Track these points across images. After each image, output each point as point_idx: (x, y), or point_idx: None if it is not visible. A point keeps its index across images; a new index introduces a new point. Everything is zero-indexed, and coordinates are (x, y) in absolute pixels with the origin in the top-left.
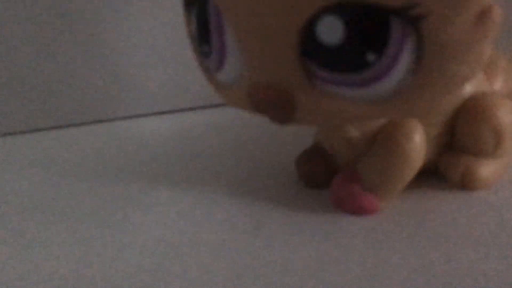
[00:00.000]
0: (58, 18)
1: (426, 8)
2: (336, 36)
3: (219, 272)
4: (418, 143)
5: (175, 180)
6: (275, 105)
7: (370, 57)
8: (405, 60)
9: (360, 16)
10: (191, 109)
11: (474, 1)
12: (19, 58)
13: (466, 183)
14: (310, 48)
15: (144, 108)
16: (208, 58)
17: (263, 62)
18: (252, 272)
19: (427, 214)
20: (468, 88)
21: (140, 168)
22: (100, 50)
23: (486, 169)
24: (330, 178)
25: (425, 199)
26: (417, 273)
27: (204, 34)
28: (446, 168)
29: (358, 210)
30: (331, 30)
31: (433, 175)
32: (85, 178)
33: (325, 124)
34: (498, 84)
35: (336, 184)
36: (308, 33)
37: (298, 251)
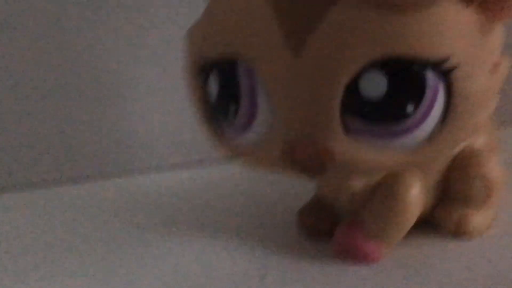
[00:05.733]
0: (80, 72)
1: (456, 61)
2: (379, 90)
3: None
4: (417, 193)
5: (184, 230)
6: (313, 159)
7: (410, 108)
8: (438, 109)
9: (400, 70)
10: (196, 162)
11: (492, 53)
12: (31, 114)
13: (460, 232)
14: (352, 102)
15: (156, 162)
16: (230, 122)
17: (301, 120)
18: None
19: (424, 262)
20: None
21: (151, 219)
22: (112, 105)
23: (479, 219)
24: (332, 229)
25: (422, 248)
26: None
27: (230, 98)
28: (440, 218)
29: (361, 257)
30: (375, 85)
31: (429, 225)
32: (100, 228)
33: (358, 174)
34: (481, 141)
35: (339, 233)
36: (351, 88)
37: None
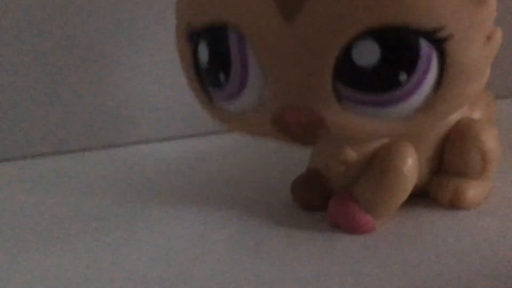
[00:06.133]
0: (71, 46)
1: (450, 31)
2: (372, 59)
3: (221, 286)
4: (411, 165)
5: (180, 201)
6: (305, 127)
7: (402, 77)
8: (431, 78)
9: (394, 39)
10: (193, 135)
11: (486, 25)
12: (33, 88)
13: (455, 204)
14: (344, 70)
15: (150, 134)
16: (221, 89)
17: (293, 87)
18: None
19: (419, 233)
20: (456, 114)
21: (147, 190)
22: (111, 78)
23: (474, 191)
24: (325, 201)
25: (416, 219)
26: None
27: (221, 64)
28: (436, 190)
29: (354, 228)
30: (367, 53)
31: (424, 197)
32: (96, 199)
33: (350, 142)
34: (478, 113)
35: (333, 204)
36: (344, 56)
37: (297, 268)
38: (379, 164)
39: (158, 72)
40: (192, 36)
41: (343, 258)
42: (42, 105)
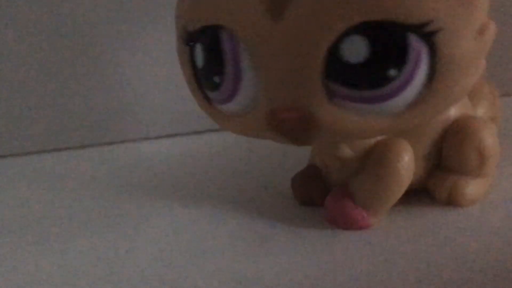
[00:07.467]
0: (74, 46)
1: (439, 25)
2: (361, 55)
3: (223, 282)
4: (407, 162)
5: (180, 197)
6: (297, 125)
7: (392, 72)
8: (421, 74)
9: (382, 34)
10: (195, 132)
11: (477, 17)
12: (36, 86)
13: (452, 201)
14: (334, 67)
15: (150, 131)
16: (216, 91)
17: (284, 86)
18: (254, 282)
19: (419, 229)
20: (455, 111)
21: (148, 187)
22: (112, 76)
23: (472, 188)
24: (324, 197)
25: (414, 215)
26: (407, 283)
27: (215, 65)
28: (434, 186)
29: (350, 225)
30: (356, 49)
31: (422, 193)
32: (98, 195)
33: (343, 141)
34: (481, 110)
35: (330, 201)
36: (332, 53)
37: (297, 263)
38: (374, 160)
39: (158, 71)
40: (189, 39)
41: (343, 253)
42: (43, 102)
